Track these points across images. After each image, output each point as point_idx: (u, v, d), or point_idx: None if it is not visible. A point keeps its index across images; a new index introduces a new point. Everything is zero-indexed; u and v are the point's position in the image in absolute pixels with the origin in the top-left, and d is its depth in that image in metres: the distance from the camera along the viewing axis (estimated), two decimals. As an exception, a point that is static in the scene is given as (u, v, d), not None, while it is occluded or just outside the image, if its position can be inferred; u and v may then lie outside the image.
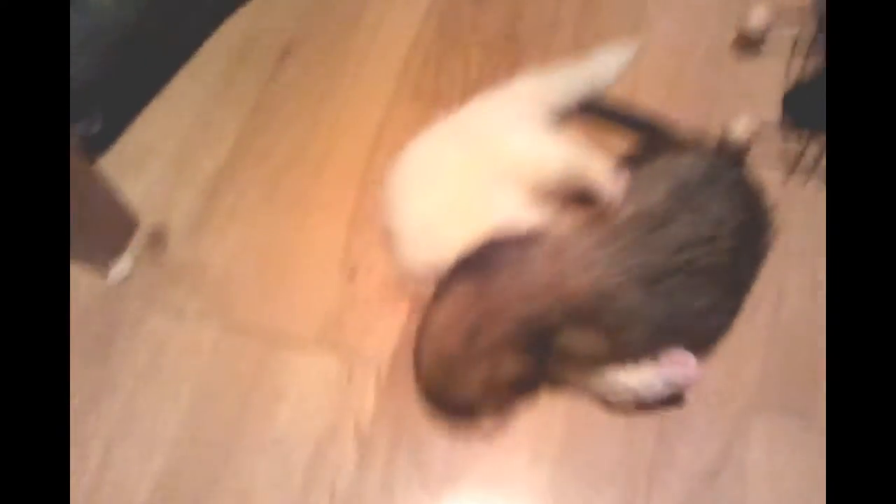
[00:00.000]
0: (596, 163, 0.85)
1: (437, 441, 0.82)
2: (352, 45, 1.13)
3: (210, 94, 1.10)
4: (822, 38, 1.02)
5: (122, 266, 0.95)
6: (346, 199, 0.99)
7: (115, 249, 0.96)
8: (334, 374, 0.86)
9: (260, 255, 0.96)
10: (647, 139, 0.97)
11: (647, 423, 0.82)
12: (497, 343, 0.75)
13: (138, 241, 0.97)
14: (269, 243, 0.97)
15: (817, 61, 1.02)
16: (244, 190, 1.01)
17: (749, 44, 1.06)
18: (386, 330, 0.89)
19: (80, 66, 0.98)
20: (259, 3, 1.19)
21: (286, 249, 0.96)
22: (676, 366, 0.77)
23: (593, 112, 1.00)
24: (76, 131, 1.00)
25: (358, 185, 1.00)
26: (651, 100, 1.03)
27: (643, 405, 0.81)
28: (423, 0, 1.17)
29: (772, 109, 1.01)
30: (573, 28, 1.12)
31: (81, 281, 0.94)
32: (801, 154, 0.96)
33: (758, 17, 1.02)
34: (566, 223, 0.81)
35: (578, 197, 0.86)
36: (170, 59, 1.12)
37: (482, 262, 0.77)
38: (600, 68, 1.01)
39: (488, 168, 0.86)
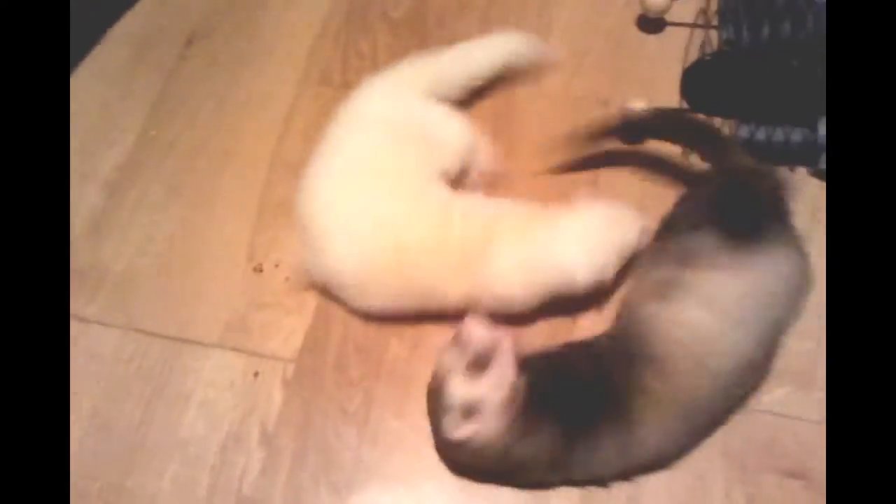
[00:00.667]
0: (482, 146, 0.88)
1: (345, 441, 0.82)
2: (258, 32, 1.11)
3: (112, 87, 1.07)
4: (722, 16, 1.04)
5: (22, 269, 0.93)
6: (253, 191, 0.98)
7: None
8: (240, 374, 0.86)
9: (164, 252, 0.94)
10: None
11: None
12: None
13: (39, 243, 0.95)
14: (174, 240, 0.95)
15: (716, 40, 1.03)
16: (147, 185, 0.99)
17: (652, 22, 1.07)
18: (292, 327, 0.88)
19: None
20: (162, -12, 1.16)
21: (191, 246, 0.95)
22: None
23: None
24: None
25: (265, 175, 0.99)
26: (557, 79, 1.04)
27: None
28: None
29: (671, 88, 1.02)
30: (481, 10, 1.11)
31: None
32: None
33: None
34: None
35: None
36: (73, 52, 1.08)
37: None
38: (485, 53, 1.00)
39: (416, 171, 0.85)
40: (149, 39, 1.11)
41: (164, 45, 1.11)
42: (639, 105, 0.95)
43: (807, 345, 0.85)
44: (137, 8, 1.15)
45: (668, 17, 1.07)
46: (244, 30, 1.12)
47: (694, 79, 1.00)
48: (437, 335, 0.87)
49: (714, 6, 1.06)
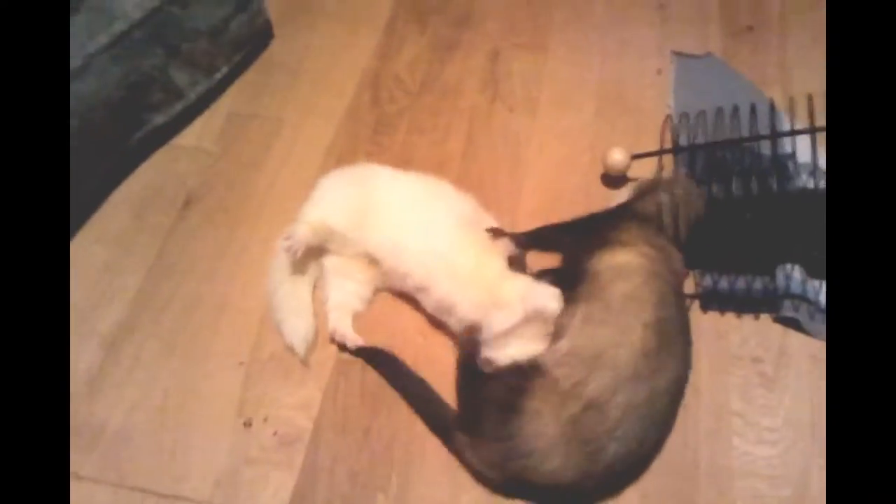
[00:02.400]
0: None
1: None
2: (252, 191, 1.20)
3: (112, 247, 1.14)
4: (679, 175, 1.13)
5: (17, 429, 0.96)
6: (244, 346, 1.03)
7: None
8: (229, 532, 0.87)
9: (158, 408, 0.98)
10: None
11: None
12: None
13: (35, 401, 0.98)
14: (168, 395, 0.99)
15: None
16: (144, 342, 1.04)
17: (614, 179, 1.17)
18: (280, 482, 0.91)
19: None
20: (162, 154, 1.25)
21: (184, 401, 0.98)
22: None
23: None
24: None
25: (256, 331, 1.04)
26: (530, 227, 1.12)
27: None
28: (322, 144, 1.25)
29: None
30: (456, 171, 1.21)
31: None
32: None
33: (615, 157, 1.13)
34: None
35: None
36: (74, 216, 1.16)
37: None
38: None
39: None
40: (148, 202, 1.19)
41: (162, 207, 1.18)
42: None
43: (784, 492, 0.88)
44: (137, 173, 1.23)
45: (629, 175, 1.16)
46: (239, 190, 1.20)
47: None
48: (422, 488, 0.90)
49: (670, 165, 1.16)
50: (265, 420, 0.96)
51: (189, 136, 1.28)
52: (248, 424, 0.95)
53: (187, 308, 1.07)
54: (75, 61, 1.12)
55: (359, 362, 1.01)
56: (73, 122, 1.11)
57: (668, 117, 1.22)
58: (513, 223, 1.14)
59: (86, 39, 1.13)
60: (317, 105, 1.31)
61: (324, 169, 1.20)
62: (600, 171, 1.18)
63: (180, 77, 1.27)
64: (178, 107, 1.28)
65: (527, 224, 1.12)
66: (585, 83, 1.33)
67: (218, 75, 1.33)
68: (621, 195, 1.09)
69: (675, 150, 1.15)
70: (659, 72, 1.33)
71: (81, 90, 1.12)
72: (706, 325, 1.02)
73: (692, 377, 0.95)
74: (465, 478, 0.91)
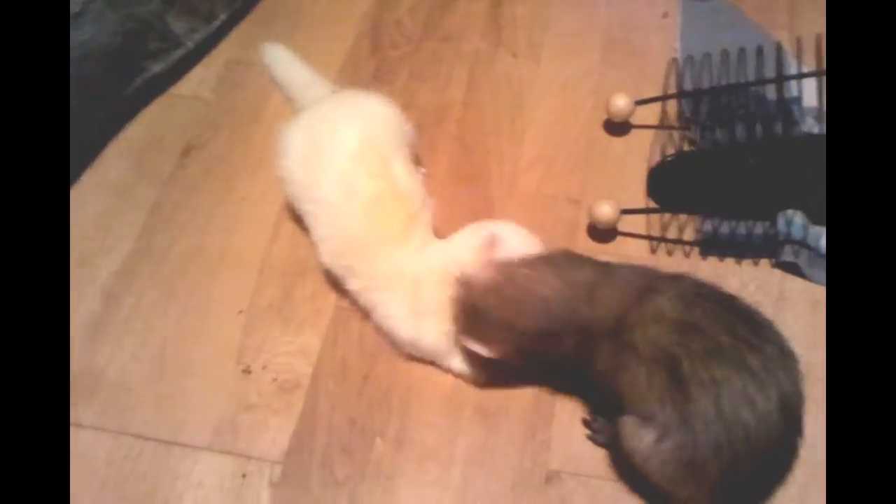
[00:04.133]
0: None
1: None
2: (250, 143, 1.19)
3: (111, 196, 1.13)
4: (681, 119, 1.11)
5: (21, 376, 0.97)
6: (243, 294, 1.03)
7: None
8: (228, 477, 0.88)
9: (157, 357, 0.98)
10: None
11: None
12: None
13: (38, 349, 0.99)
14: (167, 344, 0.99)
15: (678, 141, 1.10)
16: (142, 291, 1.04)
17: (617, 126, 1.14)
18: (279, 428, 0.92)
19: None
20: (160, 103, 1.24)
21: (183, 349, 0.99)
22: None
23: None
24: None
25: (255, 279, 1.04)
26: (530, 179, 1.11)
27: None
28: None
29: (637, 185, 1.09)
30: (456, 119, 1.19)
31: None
32: (664, 229, 1.03)
33: (618, 102, 1.10)
34: None
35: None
36: (73, 165, 1.15)
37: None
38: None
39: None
40: (146, 151, 1.18)
41: (161, 155, 1.17)
42: (605, 208, 1.00)
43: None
44: (137, 120, 1.22)
45: (633, 121, 1.14)
46: (238, 141, 1.19)
47: (659, 178, 1.07)
48: (420, 432, 0.91)
49: (673, 111, 1.14)
50: (264, 367, 0.96)
51: (187, 85, 1.26)
52: (247, 371, 0.96)
53: (186, 257, 1.07)
54: (73, 7, 1.10)
55: (357, 312, 1.00)
56: (70, 70, 1.10)
57: (673, 61, 1.19)
58: (514, 172, 1.13)
59: (80, -15, 1.11)
60: (316, 51, 1.28)
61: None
62: (603, 117, 1.16)
63: (178, 25, 1.25)
64: (176, 55, 1.26)
65: (528, 174, 1.11)
66: (590, 28, 1.30)
67: (216, 23, 1.30)
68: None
69: (679, 94, 1.12)
70: (665, 15, 1.29)
71: (78, 37, 1.10)
72: (706, 271, 1.01)
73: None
74: (462, 422, 0.92)
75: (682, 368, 0.74)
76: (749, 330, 0.75)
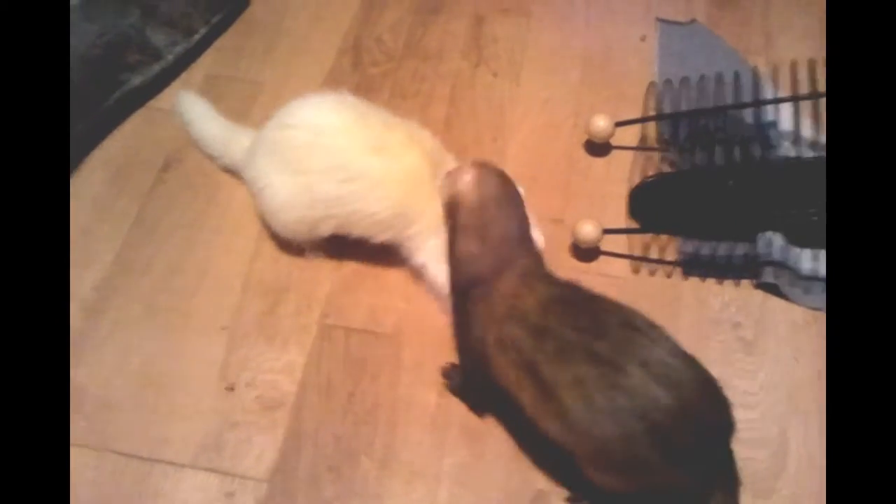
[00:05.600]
0: None
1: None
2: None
3: (89, 209, 1.11)
4: (661, 141, 1.14)
5: None
6: (225, 310, 1.02)
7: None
8: (214, 495, 0.87)
9: (140, 373, 0.97)
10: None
11: None
12: None
13: (13, 366, 0.97)
14: (149, 360, 0.98)
15: (658, 163, 1.13)
16: (124, 305, 1.03)
17: (598, 146, 1.17)
18: (264, 445, 0.91)
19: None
20: (139, 117, 1.23)
21: (166, 365, 0.97)
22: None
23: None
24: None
25: (238, 295, 1.03)
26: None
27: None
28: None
29: (618, 205, 1.11)
30: (440, 133, 1.19)
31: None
32: (646, 249, 1.06)
33: (599, 123, 1.13)
34: None
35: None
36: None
37: None
38: None
39: None
40: (125, 165, 1.17)
41: (139, 170, 1.16)
42: (588, 227, 1.02)
43: (761, 454, 0.90)
44: (114, 135, 1.21)
45: (613, 142, 1.16)
46: (218, 155, 1.18)
47: (639, 198, 1.09)
48: (406, 451, 0.91)
49: (653, 133, 1.16)
50: (248, 384, 0.96)
51: (167, 99, 1.25)
52: (230, 388, 0.95)
53: (168, 272, 1.06)
54: (49, 18, 1.09)
55: (342, 328, 1.00)
56: (47, 82, 1.08)
57: (652, 84, 1.22)
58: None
59: (60, -4, 1.09)
60: (297, 68, 1.29)
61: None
62: (584, 137, 1.18)
63: (157, 38, 1.24)
64: (156, 68, 1.25)
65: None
66: (570, 49, 1.32)
67: (196, 37, 1.29)
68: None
69: (658, 117, 1.15)
70: (643, 38, 1.32)
71: (55, 49, 1.09)
72: (687, 291, 1.03)
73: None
74: (448, 441, 0.92)
75: (542, 374, 0.76)
76: (590, 318, 0.77)
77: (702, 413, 0.75)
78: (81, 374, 0.96)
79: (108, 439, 0.91)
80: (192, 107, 1.17)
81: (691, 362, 0.76)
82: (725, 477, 0.82)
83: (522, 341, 0.78)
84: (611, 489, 0.81)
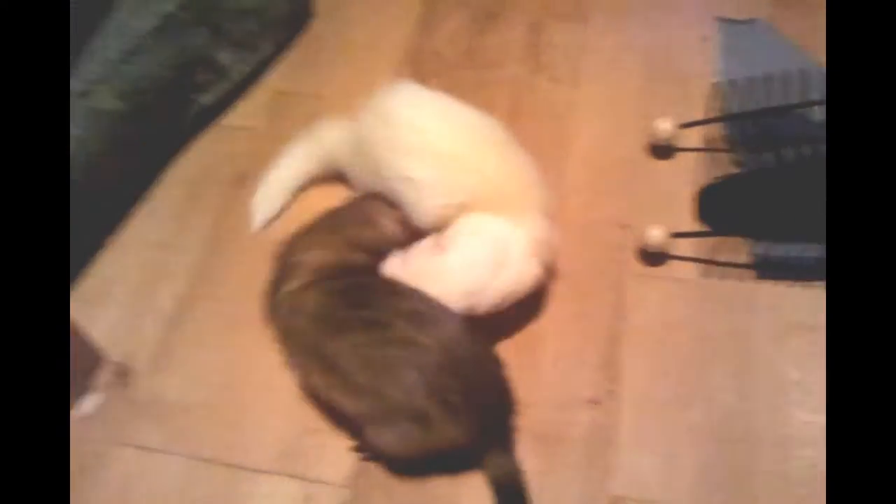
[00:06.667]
0: None
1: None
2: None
3: (167, 225, 1.16)
4: (727, 141, 1.13)
5: (89, 403, 0.99)
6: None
7: (81, 387, 1.00)
8: (294, 500, 0.90)
9: (220, 382, 1.01)
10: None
11: None
12: None
13: (104, 376, 1.02)
14: (229, 369, 1.02)
15: (724, 164, 1.12)
16: (204, 317, 1.07)
17: (661, 149, 1.16)
18: (342, 451, 0.93)
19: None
20: (211, 134, 1.27)
21: (245, 374, 1.01)
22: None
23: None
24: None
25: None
26: (576, 204, 1.13)
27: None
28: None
29: (685, 208, 1.10)
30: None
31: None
32: (716, 252, 1.05)
33: (662, 126, 1.12)
34: None
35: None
36: (129, 195, 1.19)
37: None
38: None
39: None
40: (200, 181, 1.21)
41: (213, 185, 1.21)
42: (656, 231, 1.02)
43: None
44: (188, 152, 1.26)
45: (677, 144, 1.16)
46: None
47: (708, 200, 1.08)
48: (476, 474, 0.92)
49: (718, 134, 1.15)
50: (325, 392, 0.98)
51: (236, 116, 1.30)
52: (307, 397, 0.98)
53: (244, 283, 1.09)
54: (126, 43, 1.14)
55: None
56: (125, 105, 1.13)
57: (716, 84, 1.21)
58: (559, 197, 1.14)
59: (135, 22, 1.15)
60: (358, 81, 1.32)
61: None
62: (646, 141, 1.18)
63: (225, 57, 1.29)
64: (224, 86, 1.30)
65: (573, 199, 1.13)
66: (629, 53, 1.32)
67: (262, 54, 1.34)
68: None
69: (725, 118, 1.14)
70: (704, 39, 1.31)
71: (132, 72, 1.14)
72: (761, 295, 1.02)
73: (747, 347, 0.96)
74: (520, 450, 0.92)
75: (325, 351, 0.87)
76: (360, 296, 0.89)
77: (472, 371, 0.85)
78: (166, 384, 1.01)
79: (192, 446, 0.95)
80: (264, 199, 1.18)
81: (453, 315, 0.88)
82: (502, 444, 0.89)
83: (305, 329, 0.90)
84: (401, 453, 0.89)
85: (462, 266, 0.93)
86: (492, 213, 0.95)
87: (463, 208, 0.96)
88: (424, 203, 0.98)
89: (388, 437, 0.87)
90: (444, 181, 0.97)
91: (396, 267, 0.96)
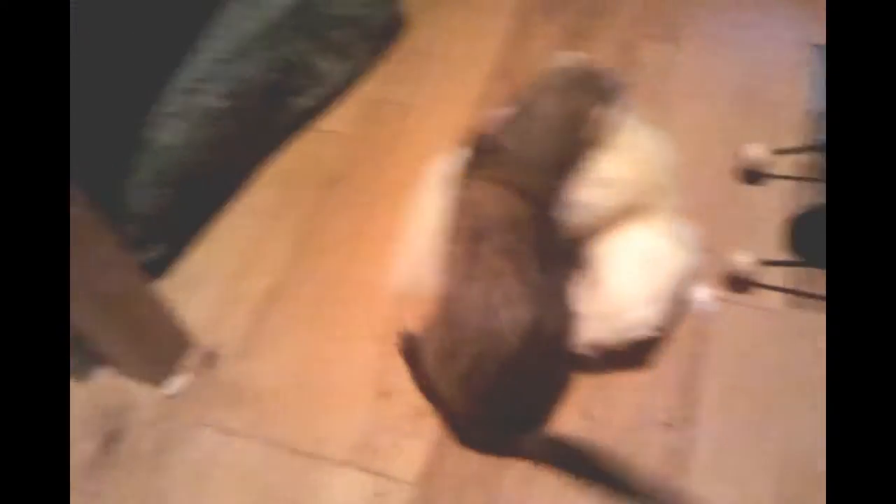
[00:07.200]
0: None
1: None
2: (389, 176, 1.25)
3: (261, 222, 1.22)
4: (823, 170, 1.11)
5: (176, 383, 1.05)
6: (382, 321, 1.08)
7: (170, 367, 1.06)
8: (365, 494, 0.93)
9: (301, 374, 1.05)
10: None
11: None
12: None
13: (192, 359, 1.07)
14: (310, 363, 1.05)
15: (817, 192, 1.10)
16: (291, 312, 1.11)
17: (753, 174, 1.15)
18: (413, 451, 0.96)
19: (146, 201, 1.10)
20: (305, 136, 1.32)
21: (325, 369, 1.05)
22: None
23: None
24: (136, 258, 1.11)
25: (393, 307, 1.09)
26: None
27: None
28: (450, 129, 1.28)
29: (773, 236, 1.09)
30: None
31: (139, 395, 1.04)
32: (804, 283, 1.03)
33: (753, 151, 1.11)
34: None
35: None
36: (226, 190, 1.25)
37: None
38: None
39: None
40: (294, 181, 1.26)
41: (306, 185, 1.25)
42: (744, 258, 1.01)
43: None
44: (285, 154, 1.31)
45: (768, 170, 1.14)
46: (377, 174, 1.26)
47: (798, 229, 1.07)
48: (546, 477, 0.93)
49: (811, 162, 1.13)
50: (403, 392, 1.01)
51: (330, 120, 1.34)
52: (385, 394, 1.01)
53: (329, 281, 1.13)
54: (233, 45, 1.20)
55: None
56: (227, 104, 1.19)
57: (810, 112, 1.19)
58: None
59: (242, 26, 1.21)
60: (448, 92, 1.35)
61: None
62: (735, 165, 1.17)
63: (323, 63, 1.34)
64: (320, 91, 1.35)
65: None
66: (720, 76, 1.31)
67: (356, 62, 1.38)
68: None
69: (818, 147, 1.12)
70: (799, 65, 1.29)
71: (237, 74, 1.20)
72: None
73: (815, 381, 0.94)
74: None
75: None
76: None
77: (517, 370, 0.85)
78: (250, 370, 1.05)
79: (271, 432, 0.99)
80: None
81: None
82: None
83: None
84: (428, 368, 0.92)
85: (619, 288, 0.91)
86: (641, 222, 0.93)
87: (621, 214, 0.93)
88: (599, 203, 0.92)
89: (429, 347, 0.91)
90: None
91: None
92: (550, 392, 0.95)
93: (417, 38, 1.45)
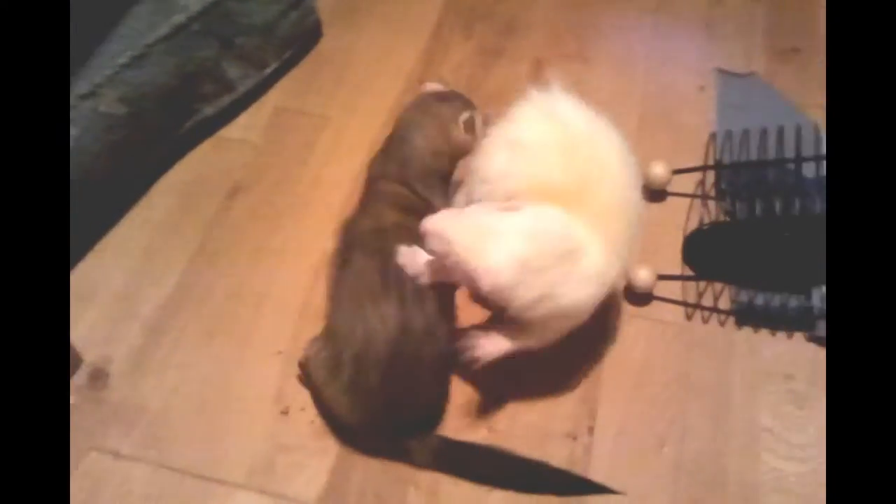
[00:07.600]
0: None
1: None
2: (296, 187, 1.22)
3: (156, 232, 1.16)
4: (719, 189, 1.14)
5: (61, 403, 0.98)
6: (282, 337, 1.05)
7: (55, 387, 0.99)
8: (263, 516, 0.90)
9: (197, 392, 1.00)
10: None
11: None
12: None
13: (78, 378, 1.01)
14: (207, 381, 1.01)
15: (713, 211, 1.13)
16: (185, 327, 1.06)
17: (654, 193, 1.18)
18: (314, 470, 0.93)
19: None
20: (209, 145, 1.28)
21: (223, 387, 1.00)
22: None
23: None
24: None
25: (294, 322, 1.06)
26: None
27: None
28: (364, 143, 1.27)
29: (675, 253, 1.11)
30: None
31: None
32: (700, 296, 1.06)
33: (656, 171, 1.14)
34: None
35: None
36: (121, 199, 1.19)
37: None
38: None
39: None
40: (193, 191, 1.22)
41: (207, 196, 1.21)
42: (643, 273, 1.03)
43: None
44: (184, 162, 1.26)
45: (669, 189, 1.17)
46: (283, 184, 1.22)
47: (695, 246, 1.10)
48: (453, 484, 0.91)
49: (711, 180, 1.17)
50: (302, 409, 0.98)
51: (236, 129, 1.30)
52: (284, 412, 0.98)
53: (228, 296, 1.09)
54: (135, 50, 1.15)
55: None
56: (124, 110, 1.14)
57: (712, 134, 1.23)
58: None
59: (146, 29, 1.16)
60: (361, 104, 1.33)
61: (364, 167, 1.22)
62: (640, 183, 1.19)
63: (232, 70, 1.30)
64: (227, 99, 1.31)
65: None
66: (628, 96, 1.34)
67: (267, 70, 1.35)
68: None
69: (719, 166, 1.16)
70: (702, 88, 1.34)
71: (136, 78, 1.15)
72: (740, 341, 1.03)
73: (723, 391, 0.97)
74: (495, 477, 0.92)
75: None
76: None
77: (409, 367, 0.88)
78: (141, 391, 1.00)
79: (164, 455, 0.94)
80: None
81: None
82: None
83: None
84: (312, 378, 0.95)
85: (530, 233, 0.82)
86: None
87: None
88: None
89: (313, 350, 0.94)
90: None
91: (446, 220, 0.84)
92: (438, 394, 0.96)
93: (332, 49, 1.43)
